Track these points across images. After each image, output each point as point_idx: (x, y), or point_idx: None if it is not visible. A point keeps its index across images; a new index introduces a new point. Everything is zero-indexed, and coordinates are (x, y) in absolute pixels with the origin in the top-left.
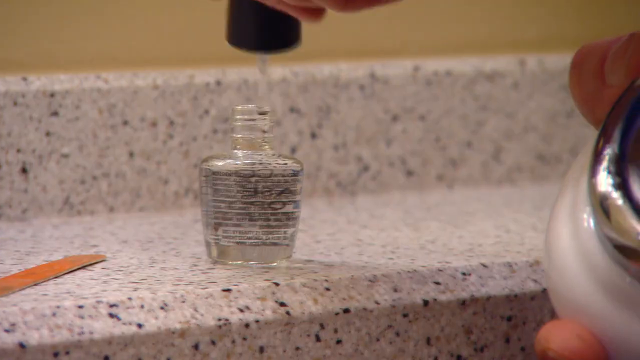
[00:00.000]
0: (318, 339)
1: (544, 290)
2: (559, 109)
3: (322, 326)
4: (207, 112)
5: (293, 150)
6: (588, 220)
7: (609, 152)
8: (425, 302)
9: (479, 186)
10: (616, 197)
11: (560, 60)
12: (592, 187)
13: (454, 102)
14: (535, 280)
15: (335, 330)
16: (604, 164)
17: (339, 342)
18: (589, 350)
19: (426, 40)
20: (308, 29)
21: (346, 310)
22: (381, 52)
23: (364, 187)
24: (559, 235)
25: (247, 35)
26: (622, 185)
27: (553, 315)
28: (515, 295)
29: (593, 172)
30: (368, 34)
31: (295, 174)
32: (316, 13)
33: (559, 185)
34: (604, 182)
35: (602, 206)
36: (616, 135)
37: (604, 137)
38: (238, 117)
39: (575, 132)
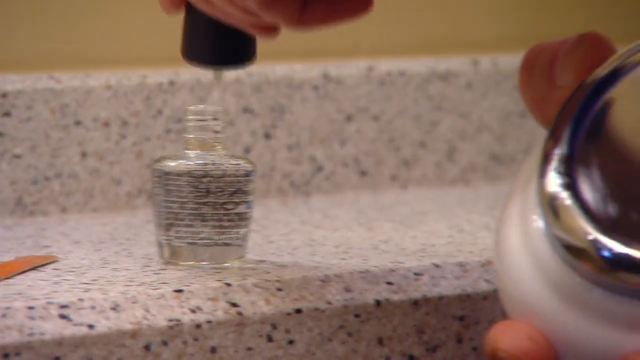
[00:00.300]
0: (270, 339)
1: (496, 291)
2: (513, 109)
3: (274, 326)
4: (160, 112)
5: (247, 150)
6: (537, 221)
7: (558, 152)
8: (378, 302)
9: (432, 186)
10: (565, 197)
11: (514, 61)
12: (541, 187)
13: (407, 102)
14: (487, 280)
15: (287, 331)
16: (553, 164)
17: (290, 342)
18: (538, 350)
19: (380, 41)
20: None
21: (298, 311)
22: (335, 52)
23: (317, 188)
24: (509, 236)
25: (201, 50)
26: (571, 186)
27: (505, 315)
28: (468, 295)
29: (542, 173)
30: (321, 35)
31: (247, 174)
32: (271, 30)
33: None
34: (553, 182)
35: (551, 206)
36: (565, 135)
37: (553, 137)
38: (190, 117)
39: (529, 132)
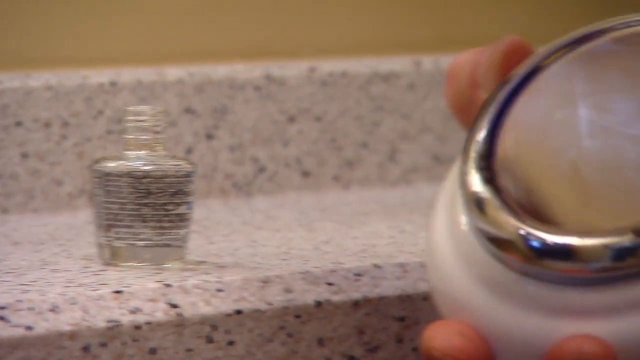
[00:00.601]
0: (210, 340)
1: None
2: None
3: (214, 327)
4: (101, 113)
5: (189, 151)
6: (463, 218)
7: (478, 149)
8: (318, 303)
9: (374, 187)
10: (487, 192)
11: None
12: (464, 184)
13: (349, 102)
14: (427, 281)
15: (228, 332)
16: (474, 161)
17: (230, 343)
18: (471, 346)
19: (321, 41)
20: (203, 30)
21: (238, 312)
22: (277, 53)
23: (260, 188)
24: (437, 235)
25: None
26: (493, 181)
27: (439, 314)
28: (408, 296)
29: (464, 170)
30: (263, 35)
31: (188, 175)
32: None
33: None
34: (475, 178)
35: (475, 202)
36: (484, 133)
37: (473, 135)
38: (130, 118)
39: None
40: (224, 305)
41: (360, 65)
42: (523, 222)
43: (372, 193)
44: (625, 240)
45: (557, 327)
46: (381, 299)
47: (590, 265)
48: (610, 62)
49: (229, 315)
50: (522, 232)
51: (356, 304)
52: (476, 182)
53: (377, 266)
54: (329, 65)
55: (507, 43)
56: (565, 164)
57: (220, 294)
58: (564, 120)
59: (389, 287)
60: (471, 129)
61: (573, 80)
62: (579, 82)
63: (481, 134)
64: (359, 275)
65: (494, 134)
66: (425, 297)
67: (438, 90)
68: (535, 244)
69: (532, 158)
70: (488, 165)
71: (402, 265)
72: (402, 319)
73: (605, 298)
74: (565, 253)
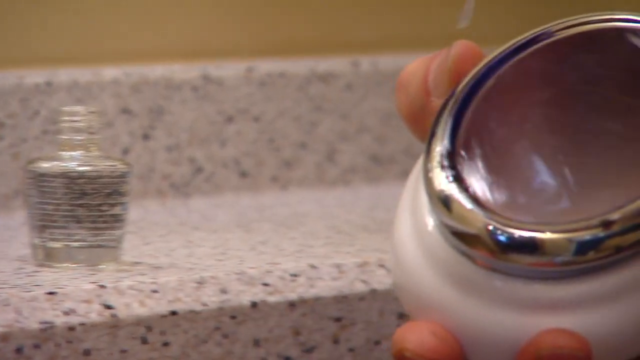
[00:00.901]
0: (144, 341)
1: (372, 291)
2: (393, 110)
3: (148, 328)
4: (37, 113)
5: (125, 151)
6: (428, 216)
7: (441, 147)
8: (254, 304)
9: (313, 187)
10: (452, 188)
11: (394, 62)
12: (428, 181)
13: (287, 103)
14: (364, 281)
15: (162, 333)
16: (437, 158)
17: (165, 344)
18: (443, 345)
19: (259, 41)
20: (139, 29)
21: (173, 313)
22: (214, 53)
23: (197, 189)
24: (401, 234)
25: None
26: (457, 177)
27: (382, 315)
28: (344, 297)
29: (428, 168)
30: (201, 35)
31: (123, 175)
32: None
33: (393, 186)
34: (439, 176)
35: (440, 199)
36: (446, 132)
37: (435, 133)
38: (65, 118)
39: (409, 134)
40: (159, 306)
41: (299, 66)
42: (489, 217)
43: (310, 193)
44: (588, 233)
45: (527, 322)
46: (317, 299)
47: (554, 259)
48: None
49: (163, 316)
50: (488, 226)
51: (292, 304)
52: (441, 180)
53: (313, 267)
54: (266, 66)
55: (457, 48)
56: (525, 159)
57: (155, 295)
58: (522, 116)
59: (325, 288)
60: (432, 127)
61: (527, 79)
62: (533, 81)
63: (444, 134)
64: (295, 275)
65: (456, 133)
66: (362, 298)
67: (376, 90)
68: (501, 238)
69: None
70: (452, 164)
71: (338, 266)
72: (338, 320)
73: (573, 291)
74: (530, 247)
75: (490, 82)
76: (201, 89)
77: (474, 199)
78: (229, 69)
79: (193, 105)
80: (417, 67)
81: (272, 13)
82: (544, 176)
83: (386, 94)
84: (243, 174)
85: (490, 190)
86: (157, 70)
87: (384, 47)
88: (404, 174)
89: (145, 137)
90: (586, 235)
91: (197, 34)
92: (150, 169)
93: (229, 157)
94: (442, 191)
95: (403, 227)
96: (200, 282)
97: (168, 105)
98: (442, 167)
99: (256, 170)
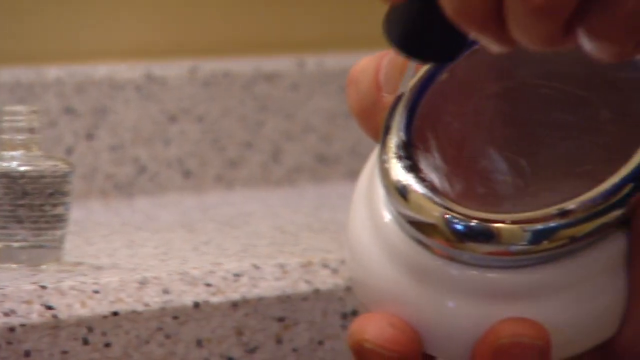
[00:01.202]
0: (86, 342)
1: (316, 291)
2: (338, 109)
3: (90, 329)
4: None
5: (69, 151)
6: (385, 208)
7: (396, 139)
8: (196, 304)
9: (258, 187)
10: (409, 178)
11: (339, 61)
12: (384, 172)
13: (232, 102)
14: (307, 281)
15: (104, 333)
16: (393, 150)
17: (107, 345)
18: (402, 335)
19: (203, 41)
20: (82, 29)
21: (115, 313)
22: (158, 52)
23: (141, 189)
24: (357, 227)
25: (433, 43)
26: (413, 167)
27: (325, 315)
28: (287, 296)
29: (384, 159)
30: (144, 34)
31: (65, 175)
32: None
33: (339, 186)
34: (396, 167)
35: (397, 190)
36: (402, 123)
37: (390, 126)
38: (6, 118)
39: (355, 133)
40: (101, 306)
41: (243, 65)
42: (446, 206)
43: (255, 193)
44: (543, 223)
45: (485, 311)
46: (260, 299)
47: (510, 248)
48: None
49: (105, 316)
50: (445, 215)
51: (235, 304)
52: (397, 171)
53: (256, 267)
54: (210, 65)
55: None
56: (481, 150)
57: (97, 295)
58: (477, 109)
59: (268, 288)
60: (387, 120)
61: (480, 72)
62: (485, 75)
63: (399, 125)
64: (238, 275)
65: (411, 125)
66: (305, 298)
67: (322, 90)
68: (458, 227)
69: (452, 145)
70: (408, 155)
71: (281, 266)
72: (281, 320)
73: (530, 280)
74: (487, 235)
75: (443, 76)
76: (145, 89)
77: (431, 188)
78: (173, 69)
79: (137, 105)
80: (368, 63)
81: (216, 12)
82: (500, 166)
83: (332, 93)
84: (187, 174)
85: (447, 180)
86: (100, 70)
87: (329, 46)
88: (350, 174)
89: (89, 136)
90: (541, 224)
91: (141, 34)
92: (94, 168)
93: (173, 156)
94: (398, 181)
95: (358, 221)
96: (143, 283)
97: (112, 105)
98: (398, 157)
99: (200, 170)
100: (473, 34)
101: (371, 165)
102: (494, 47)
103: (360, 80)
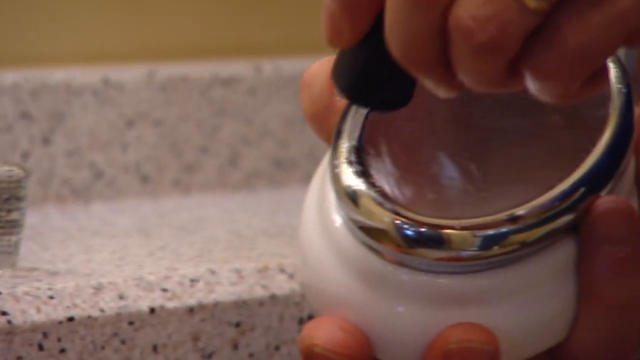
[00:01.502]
0: (41, 348)
1: (272, 296)
2: (295, 114)
3: (45, 335)
4: None
5: (25, 156)
6: (335, 212)
7: (347, 143)
8: (152, 310)
9: (215, 192)
10: (359, 183)
11: (296, 65)
12: (335, 177)
13: (189, 107)
14: (263, 286)
15: (59, 339)
16: (344, 154)
17: (62, 350)
18: (352, 339)
19: (160, 45)
20: (39, 33)
21: (70, 319)
22: (114, 56)
23: (98, 194)
24: (309, 232)
25: (376, 91)
26: (364, 173)
27: (282, 320)
28: (244, 302)
29: (335, 164)
30: (101, 39)
31: (20, 180)
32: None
33: (296, 190)
34: (346, 172)
35: (347, 195)
36: (353, 127)
37: (341, 131)
38: None
39: (312, 138)
40: (56, 312)
41: (200, 70)
42: (396, 212)
43: (212, 198)
44: (493, 228)
45: (435, 316)
46: (216, 304)
47: (460, 253)
48: None
49: (60, 322)
50: (395, 221)
51: (191, 310)
52: (348, 176)
53: (212, 272)
54: (168, 70)
55: None
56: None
57: (52, 301)
58: (428, 113)
59: (224, 293)
60: (338, 125)
61: None
62: None
63: (349, 130)
64: (194, 280)
65: (362, 130)
66: (262, 303)
67: (279, 94)
68: (408, 232)
69: (403, 152)
70: (359, 160)
71: (237, 271)
72: (237, 325)
73: (480, 286)
74: (437, 241)
75: None
76: (102, 94)
77: (382, 194)
78: (130, 73)
79: (94, 110)
80: (321, 67)
81: (173, 16)
82: (451, 172)
83: (289, 98)
84: (144, 179)
85: (398, 186)
86: (57, 75)
87: (286, 50)
88: (307, 178)
89: (45, 141)
90: (492, 230)
91: (97, 38)
92: (50, 173)
93: (130, 161)
94: (349, 186)
95: (310, 226)
96: (98, 288)
97: (68, 109)
98: (349, 162)
99: (157, 174)
100: (420, 78)
101: (323, 169)
102: (441, 91)
103: (313, 83)
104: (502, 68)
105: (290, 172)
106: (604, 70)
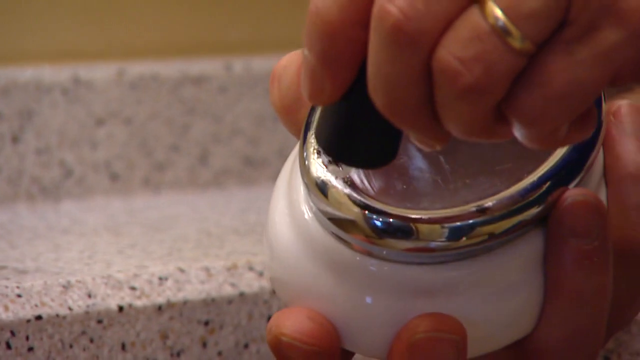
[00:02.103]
0: (8, 346)
1: (241, 294)
2: (266, 112)
3: (12, 333)
4: None
5: None
6: (305, 204)
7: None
8: (120, 308)
9: (185, 190)
10: (329, 175)
11: (267, 63)
12: (304, 169)
13: (159, 106)
14: (232, 284)
15: (27, 338)
16: (313, 146)
17: (30, 349)
18: (320, 329)
19: (131, 43)
20: (7, 31)
21: (38, 317)
22: (85, 54)
23: (67, 192)
24: (277, 225)
25: (360, 149)
26: (333, 164)
27: (251, 318)
28: (213, 300)
29: (304, 156)
30: (71, 37)
31: None
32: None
33: (266, 188)
34: (315, 163)
35: (316, 186)
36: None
37: (310, 122)
38: None
39: (282, 136)
40: (23, 310)
41: (171, 68)
42: (365, 203)
43: (182, 196)
44: (461, 219)
45: (403, 306)
46: (185, 302)
47: (429, 244)
48: None
49: (28, 320)
50: (364, 212)
51: (160, 308)
52: (317, 167)
53: (181, 270)
54: (138, 68)
55: None
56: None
57: (20, 299)
58: None
59: (193, 291)
60: (307, 118)
61: None
62: None
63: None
64: (162, 279)
65: None
66: (230, 301)
67: (249, 93)
68: (377, 223)
69: None
70: None
71: (206, 269)
72: (206, 323)
73: (448, 276)
74: (406, 232)
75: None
76: (71, 92)
77: (350, 185)
78: (100, 71)
79: (63, 108)
80: (290, 59)
81: (143, 15)
82: (420, 163)
83: (259, 96)
84: (114, 177)
85: (367, 177)
86: (26, 73)
87: (256, 48)
88: (277, 176)
89: (15, 140)
90: (460, 221)
91: (67, 36)
92: (20, 172)
93: (99, 160)
94: (318, 178)
95: (278, 218)
96: (66, 286)
97: (38, 107)
98: (318, 154)
99: (127, 173)
100: (406, 130)
101: (291, 162)
102: (428, 144)
103: (283, 76)
104: (488, 113)
105: (261, 170)
106: (592, 113)
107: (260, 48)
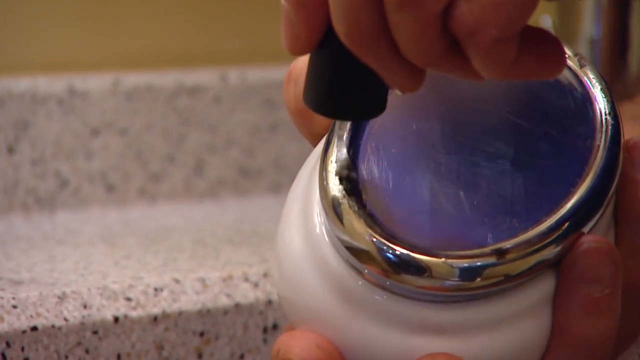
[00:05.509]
0: (4, 357)
1: (237, 305)
2: (262, 122)
3: (8, 344)
4: None
5: None
6: (320, 226)
7: (338, 157)
8: (116, 319)
9: (181, 201)
10: (347, 200)
11: (262, 74)
12: (323, 192)
13: (155, 116)
14: (228, 295)
15: (22, 349)
16: (335, 168)
17: None
18: (328, 358)
19: (126, 54)
20: (3, 42)
21: (34, 328)
22: (80, 65)
23: (63, 203)
24: (290, 243)
25: (342, 101)
26: (354, 190)
27: (246, 329)
28: (208, 310)
29: (324, 178)
30: (66, 48)
31: None
32: (416, 84)
33: (261, 199)
34: (335, 187)
35: (334, 211)
36: (344, 140)
37: (331, 144)
38: None
39: (278, 146)
40: (19, 321)
41: (166, 78)
42: (382, 233)
43: (178, 207)
44: (477, 260)
45: (413, 343)
46: (180, 313)
47: (444, 283)
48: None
49: (24, 331)
50: (379, 243)
51: (155, 319)
52: (337, 191)
53: (176, 281)
54: (133, 78)
55: None
56: (423, 179)
57: (15, 310)
58: (420, 133)
59: (189, 302)
60: (329, 135)
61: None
62: (433, 95)
63: (342, 142)
64: (158, 289)
65: (356, 144)
66: (226, 312)
67: (244, 103)
68: (391, 256)
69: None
70: (350, 174)
71: (202, 280)
72: (202, 334)
73: (460, 317)
74: (420, 270)
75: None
76: (67, 102)
77: (369, 214)
78: (95, 82)
79: (59, 119)
80: (307, 62)
81: (138, 25)
82: (440, 197)
83: (254, 106)
84: (109, 188)
85: (386, 205)
86: (21, 84)
87: (251, 59)
88: (272, 187)
89: (10, 150)
90: (476, 262)
91: (62, 47)
92: (15, 182)
93: (95, 170)
94: (336, 202)
95: (291, 233)
96: (62, 297)
97: (33, 118)
98: (339, 176)
99: (123, 184)
100: (373, 64)
101: (308, 171)
102: (399, 83)
103: (299, 79)
104: (436, 31)
105: (256, 181)
106: (551, 43)
107: (256, 58)
